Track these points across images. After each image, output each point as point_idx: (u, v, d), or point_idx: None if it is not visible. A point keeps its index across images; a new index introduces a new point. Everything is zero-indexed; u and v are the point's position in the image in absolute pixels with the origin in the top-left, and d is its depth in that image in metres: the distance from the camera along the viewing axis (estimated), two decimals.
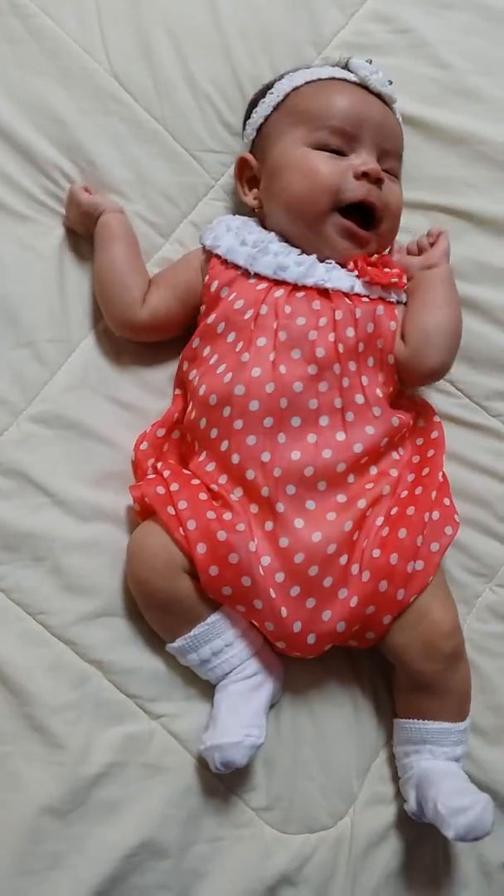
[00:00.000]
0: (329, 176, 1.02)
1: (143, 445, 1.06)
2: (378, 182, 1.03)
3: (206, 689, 1.03)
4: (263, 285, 1.02)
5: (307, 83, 1.08)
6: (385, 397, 1.04)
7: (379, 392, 1.03)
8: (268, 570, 0.96)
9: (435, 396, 1.17)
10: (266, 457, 0.97)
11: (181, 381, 1.08)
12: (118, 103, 1.16)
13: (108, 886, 0.96)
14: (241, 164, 1.12)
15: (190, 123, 1.18)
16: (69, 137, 1.14)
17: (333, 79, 1.08)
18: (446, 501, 1.04)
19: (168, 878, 0.99)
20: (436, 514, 1.01)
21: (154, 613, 1.01)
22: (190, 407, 1.04)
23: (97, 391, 1.10)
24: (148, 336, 1.11)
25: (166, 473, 1.00)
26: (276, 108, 1.10)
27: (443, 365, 1.06)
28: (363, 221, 1.04)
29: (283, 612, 0.96)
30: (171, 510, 0.97)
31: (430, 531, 1.00)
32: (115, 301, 1.08)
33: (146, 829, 0.98)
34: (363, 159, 1.03)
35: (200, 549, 0.96)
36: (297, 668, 1.05)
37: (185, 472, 1.02)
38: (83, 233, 1.13)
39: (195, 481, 1.00)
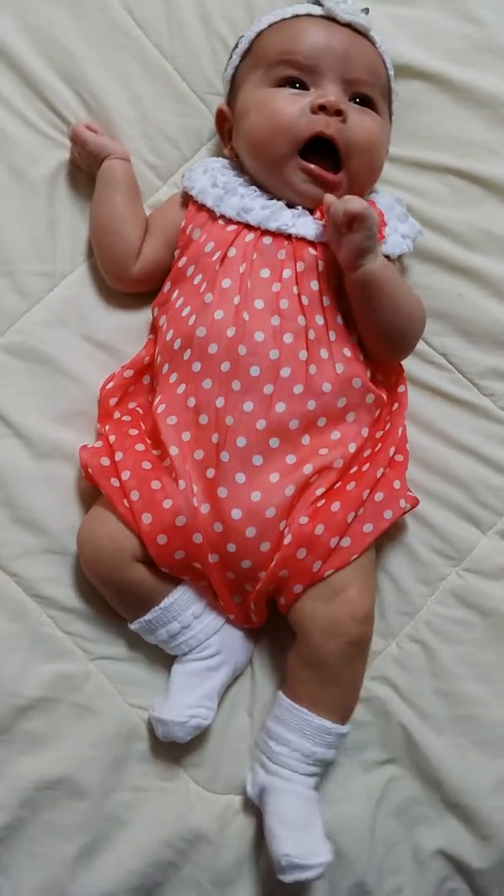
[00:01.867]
0: (286, 113, 0.97)
1: (109, 385, 1.04)
2: (339, 114, 0.97)
3: None
4: (233, 227, 0.99)
5: (270, 25, 1.03)
6: (354, 357, 0.99)
7: (347, 351, 0.98)
8: (206, 519, 0.94)
9: (425, 368, 1.12)
10: (220, 402, 0.95)
11: (154, 327, 1.06)
12: (128, 38, 1.13)
13: (24, 814, 0.98)
14: (220, 117, 1.09)
15: (200, 64, 1.14)
16: (75, 69, 1.12)
17: (297, 16, 1.02)
18: (396, 483, 0.99)
19: (86, 819, 0.99)
20: (379, 495, 0.97)
21: (109, 597, 1.00)
22: (156, 352, 1.03)
23: (74, 329, 1.08)
24: (141, 287, 1.08)
25: (112, 438, 0.98)
26: (244, 56, 1.06)
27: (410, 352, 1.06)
28: (333, 163, 0.99)
29: (215, 557, 0.95)
30: (115, 482, 0.96)
31: (367, 511, 0.96)
32: (111, 251, 1.06)
33: (67, 765, 0.99)
34: (322, 92, 0.98)
35: (146, 519, 0.94)
36: None
37: (132, 432, 1.00)
38: (87, 171, 1.11)
39: (140, 446, 0.98)
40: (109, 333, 1.09)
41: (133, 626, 0.99)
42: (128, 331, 1.09)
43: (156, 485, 0.95)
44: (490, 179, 1.15)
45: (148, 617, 0.97)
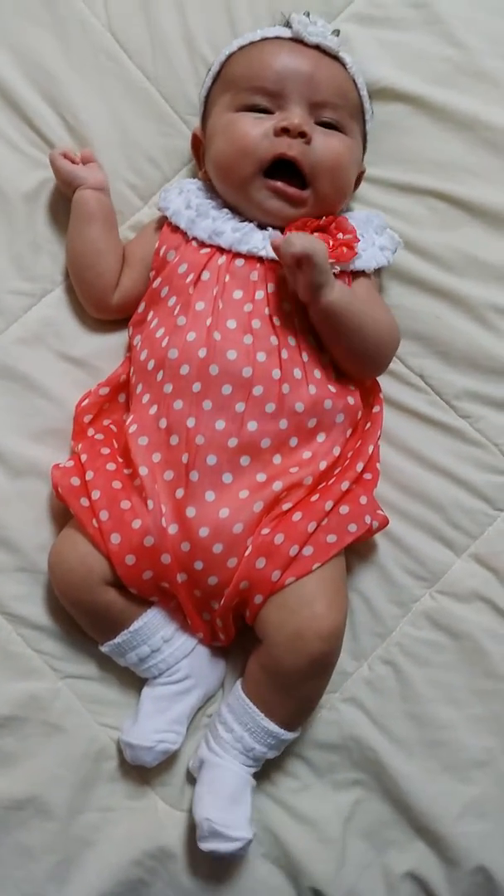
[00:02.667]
0: (250, 137, 0.98)
1: (85, 402, 1.04)
2: (302, 136, 0.97)
3: None
4: (206, 250, 1.00)
5: (240, 48, 1.04)
6: (325, 378, 0.99)
7: (317, 372, 0.99)
8: (174, 539, 0.94)
9: (402, 389, 1.12)
10: (191, 422, 0.95)
11: (130, 346, 1.07)
12: (111, 59, 1.14)
13: None
14: (194, 141, 1.10)
15: (183, 86, 1.15)
16: (57, 90, 1.13)
17: (265, 39, 1.03)
18: (363, 499, 0.99)
19: (55, 841, 0.99)
20: (344, 508, 0.97)
21: (80, 619, 1.00)
22: (131, 371, 1.03)
23: (51, 347, 1.09)
24: (121, 315, 1.09)
25: (83, 458, 0.99)
26: (215, 79, 1.07)
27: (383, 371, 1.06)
28: (300, 183, 0.99)
29: (183, 577, 0.95)
30: (84, 502, 0.96)
31: (331, 522, 0.96)
32: (88, 285, 1.07)
33: (36, 785, 0.99)
34: (286, 115, 0.98)
35: (114, 539, 0.94)
36: None
37: (104, 451, 1.00)
38: (67, 195, 1.11)
39: (111, 465, 0.98)
40: (87, 351, 1.09)
41: (103, 649, 0.99)
42: (106, 349, 1.10)
43: (125, 504, 0.95)
44: (470, 202, 1.16)
45: (117, 640, 0.97)
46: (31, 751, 1.00)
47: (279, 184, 0.98)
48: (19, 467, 1.05)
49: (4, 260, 1.10)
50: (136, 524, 0.94)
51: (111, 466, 0.98)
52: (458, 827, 1.02)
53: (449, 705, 1.05)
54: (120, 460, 0.99)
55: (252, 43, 1.04)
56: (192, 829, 1.01)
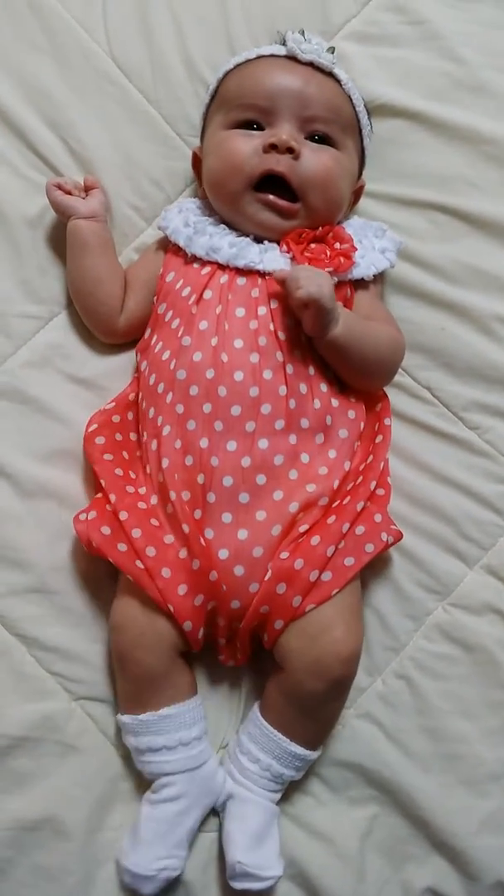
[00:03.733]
0: (240, 154, 0.99)
1: (93, 427, 1.04)
2: (290, 152, 0.98)
3: None
4: (207, 270, 1.01)
5: (236, 66, 1.05)
6: (331, 392, 1.00)
7: (323, 387, 0.99)
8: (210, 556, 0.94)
9: (410, 402, 1.13)
10: (204, 443, 0.95)
11: (138, 370, 1.07)
12: (113, 84, 1.16)
13: (10, 855, 0.97)
14: (194, 160, 1.11)
15: (184, 108, 1.16)
16: (59, 115, 1.14)
17: (260, 57, 1.04)
18: (377, 517, 0.99)
19: (72, 861, 0.98)
20: (360, 529, 0.97)
21: (123, 678, 0.98)
22: (140, 397, 1.04)
23: (59, 369, 1.10)
24: (130, 338, 1.09)
25: (112, 498, 0.96)
26: (212, 98, 1.08)
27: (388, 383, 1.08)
28: (291, 198, 1.00)
29: (200, 599, 0.95)
30: (122, 547, 0.95)
31: (348, 544, 0.96)
32: (91, 312, 1.08)
33: (52, 805, 0.99)
34: (275, 131, 0.99)
35: (165, 573, 0.93)
36: None
37: (129, 489, 0.98)
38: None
39: (142, 504, 0.97)
40: (95, 372, 1.10)
41: (123, 719, 0.97)
42: (113, 370, 1.11)
43: (169, 539, 0.95)
44: (472, 214, 1.16)
45: (142, 717, 0.95)
46: (46, 771, 1.00)
47: (270, 196, 0.99)
48: (30, 488, 1.05)
49: (11, 284, 1.11)
50: (183, 553, 0.94)
51: (142, 505, 0.97)
52: (477, 841, 1.01)
53: (464, 718, 1.04)
54: (142, 492, 0.99)
55: (248, 61, 1.05)
56: (209, 847, 1.01)
